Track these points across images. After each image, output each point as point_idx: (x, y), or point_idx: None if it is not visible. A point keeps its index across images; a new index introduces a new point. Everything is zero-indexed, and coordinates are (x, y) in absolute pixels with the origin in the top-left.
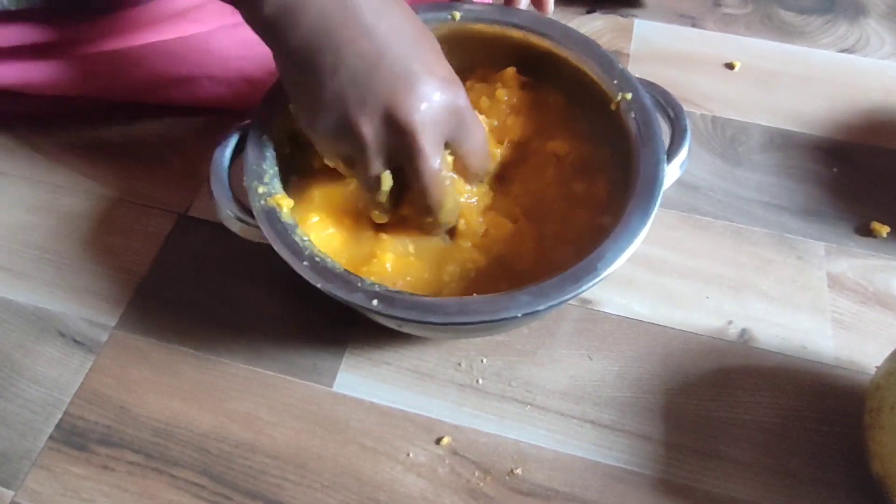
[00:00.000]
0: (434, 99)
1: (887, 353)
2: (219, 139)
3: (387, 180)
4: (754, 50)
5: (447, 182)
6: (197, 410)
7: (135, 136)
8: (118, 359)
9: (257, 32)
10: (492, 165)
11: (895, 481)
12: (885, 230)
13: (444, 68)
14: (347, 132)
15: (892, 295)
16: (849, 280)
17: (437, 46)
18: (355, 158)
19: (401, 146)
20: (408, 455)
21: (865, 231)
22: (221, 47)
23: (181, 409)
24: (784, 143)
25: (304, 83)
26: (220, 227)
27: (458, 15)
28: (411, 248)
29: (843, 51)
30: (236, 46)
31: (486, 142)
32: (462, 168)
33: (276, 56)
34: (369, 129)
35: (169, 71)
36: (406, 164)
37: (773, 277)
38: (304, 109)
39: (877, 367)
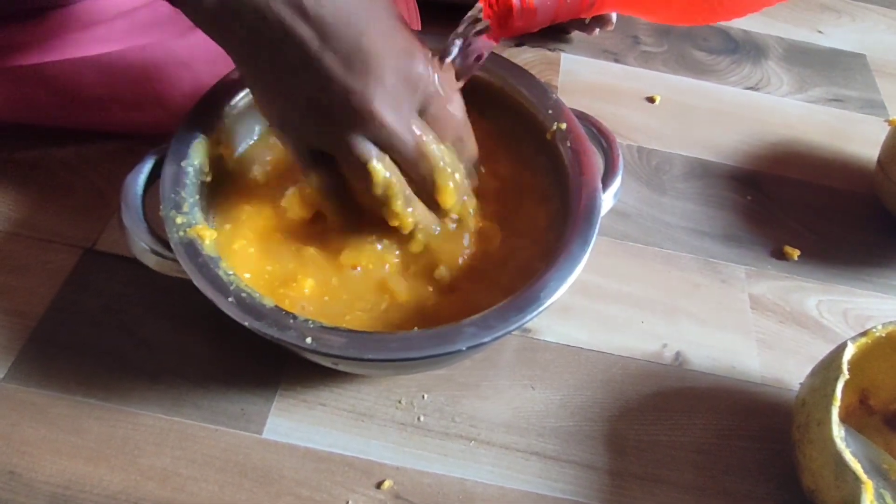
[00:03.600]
0: (387, 78)
1: (807, 369)
2: (131, 165)
3: (378, 171)
4: (672, 85)
5: (434, 146)
6: (105, 470)
7: (32, 162)
8: (7, 416)
9: (204, 30)
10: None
11: (826, 494)
12: (795, 253)
13: (399, 37)
14: (316, 123)
15: (806, 314)
16: (768, 301)
17: (392, 10)
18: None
19: (374, 137)
20: (347, 503)
21: (779, 255)
22: (130, 69)
23: (86, 471)
24: (703, 173)
25: (258, 76)
26: (132, 262)
27: None
28: (334, 280)
29: (748, 88)
30: (148, 69)
31: (462, 112)
32: (440, 132)
33: (228, 50)
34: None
35: (71, 92)
36: (390, 150)
37: (700, 301)
38: (267, 104)
39: (800, 383)
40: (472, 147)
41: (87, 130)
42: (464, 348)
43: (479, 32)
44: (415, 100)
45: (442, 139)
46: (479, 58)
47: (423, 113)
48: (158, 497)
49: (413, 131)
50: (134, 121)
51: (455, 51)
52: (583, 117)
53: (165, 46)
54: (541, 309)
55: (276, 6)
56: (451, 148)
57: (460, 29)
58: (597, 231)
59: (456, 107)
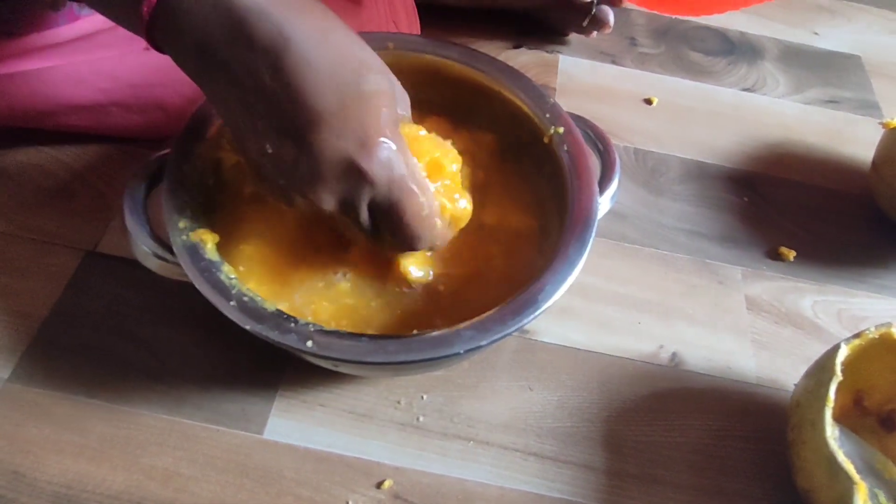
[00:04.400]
0: (331, 163)
1: (803, 370)
2: (134, 169)
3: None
4: (669, 87)
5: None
6: (108, 469)
7: (34, 166)
8: (11, 416)
9: (190, 77)
10: (461, 220)
11: (819, 494)
12: (791, 254)
13: (366, 120)
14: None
15: (801, 315)
16: (764, 302)
17: (378, 97)
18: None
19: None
20: (347, 503)
21: (775, 255)
22: (132, 73)
23: (88, 470)
24: (700, 174)
25: (225, 110)
26: (133, 265)
27: (391, 45)
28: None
29: (745, 90)
30: (150, 72)
31: (413, 209)
32: (393, 241)
33: (212, 100)
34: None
35: (72, 96)
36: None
37: (697, 302)
38: (238, 138)
39: (795, 384)
40: (418, 236)
41: (88, 134)
42: (462, 351)
43: None
44: (358, 191)
45: (386, 229)
46: None
47: (373, 200)
48: (160, 497)
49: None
50: (135, 124)
51: None
52: (579, 120)
53: None
54: (538, 312)
55: (242, 59)
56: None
57: None
58: (594, 235)
59: (397, 202)
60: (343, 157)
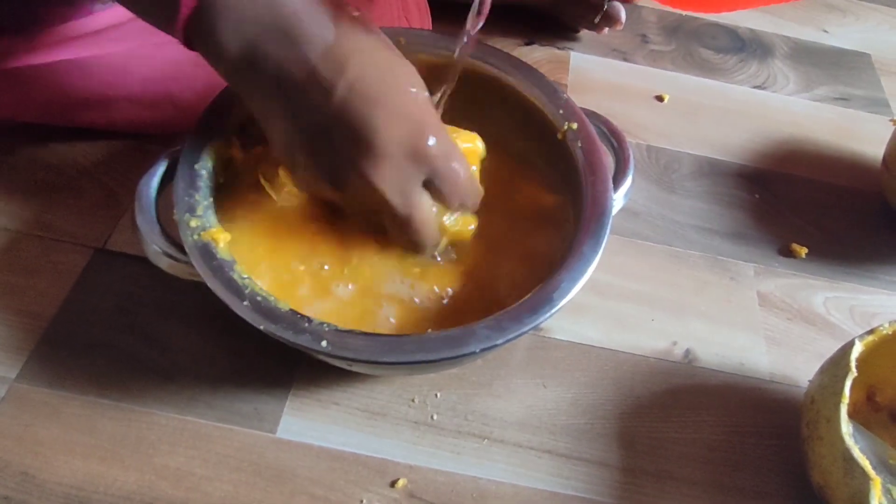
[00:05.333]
0: (393, 151)
1: (816, 366)
2: (145, 166)
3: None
4: (681, 84)
5: (428, 221)
6: (119, 470)
7: (42, 162)
8: (20, 416)
9: (226, 79)
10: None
11: (835, 490)
12: (803, 251)
13: (414, 109)
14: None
15: (813, 311)
16: (776, 298)
17: (411, 77)
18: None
19: (371, 203)
20: (361, 502)
21: (787, 252)
22: (143, 67)
23: (100, 470)
24: (711, 171)
25: (274, 132)
26: (143, 263)
27: (403, 41)
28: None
29: (755, 87)
30: (162, 67)
31: (468, 178)
32: (444, 202)
33: (248, 102)
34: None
35: (81, 90)
36: (385, 218)
37: (710, 298)
38: (286, 162)
39: (809, 380)
40: (474, 201)
41: (98, 130)
42: (477, 350)
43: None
44: (420, 173)
45: (446, 206)
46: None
47: (428, 183)
48: (172, 497)
49: (410, 206)
50: (145, 120)
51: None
52: (593, 116)
53: (180, 46)
54: (554, 310)
55: (293, 69)
56: (447, 214)
57: (468, 25)
58: (608, 232)
59: (460, 173)
60: (404, 139)
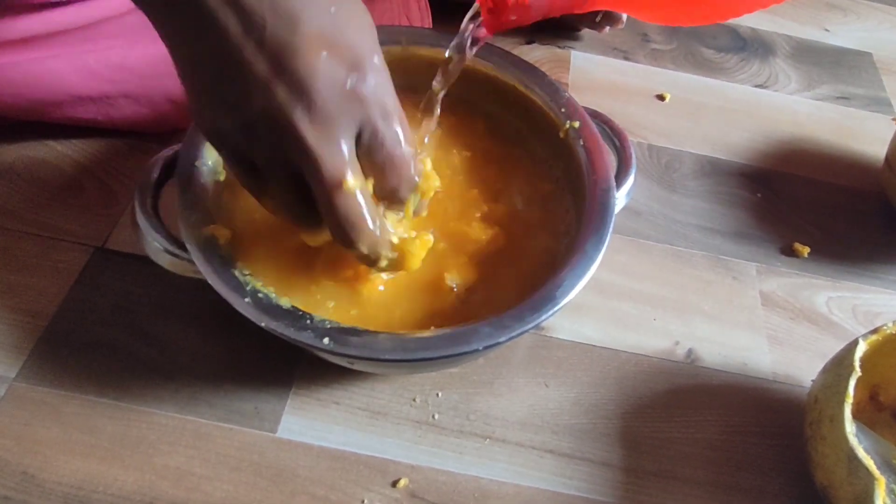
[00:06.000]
0: (320, 92)
1: (819, 365)
2: (140, 161)
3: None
4: (682, 83)
5: (361, 202)
6: (119, 469)
7: (39, 160)
8: (19, 416)
9: (150, 19)
10: (429, 188)
11: (838, 490)
12: (805, 250)
13: (348, 38)
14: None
15: (816, 311)
16: (779, 298)
17: (364, 20)
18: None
19: (289, 154)
20: (363, 502)
21: (789, 252)
22: (141, 63)
23: (99, 470)
24: (713, 170)
25: (185, 72)
26: (143, 261)
27: (404, 39)
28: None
29: (757, 86)
30: (160, 63)
31: (408, 154)
32: (379, 187)
33: (162, 38)
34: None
35: (79, 86)
36: (306, 177)
37: (712, 298)
38: (195, 108)
39: (812, 380)
40: (411, 186)
41: (96, 127)
42: (480, 348)
43: (477, 25)
44: (352, 120)
45: (377, 184)
46: (475, 41)
47: (358, 138)
48: (173, 496)
49: (342, 165)
50: (143, 116)
51: (455, 41)
52: (595, 115)
53: None
54: (556, 308)
55: None
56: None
57: (462, 26)
58: (611, 230)
59: (399, 139)
60: (336, 79)
